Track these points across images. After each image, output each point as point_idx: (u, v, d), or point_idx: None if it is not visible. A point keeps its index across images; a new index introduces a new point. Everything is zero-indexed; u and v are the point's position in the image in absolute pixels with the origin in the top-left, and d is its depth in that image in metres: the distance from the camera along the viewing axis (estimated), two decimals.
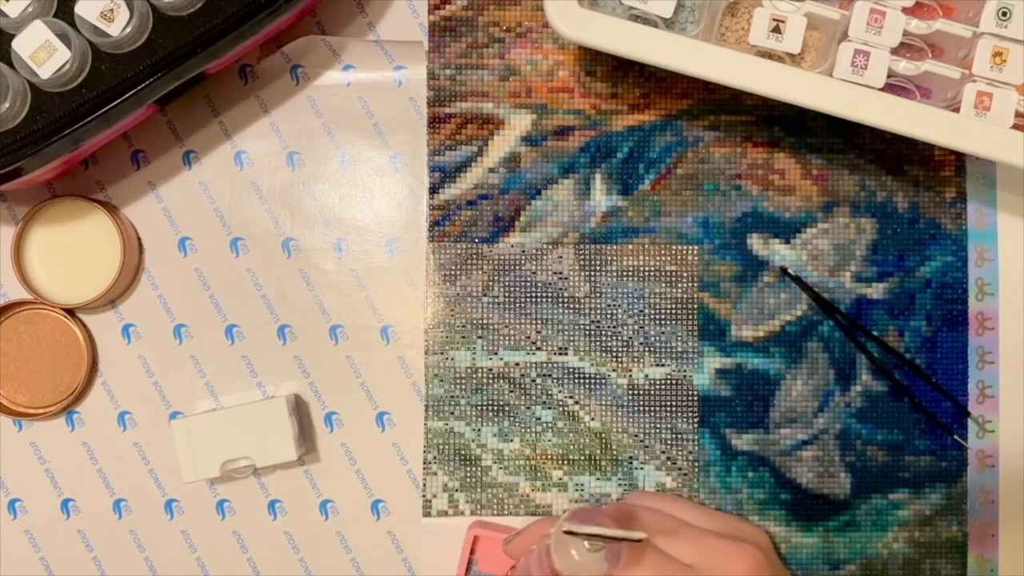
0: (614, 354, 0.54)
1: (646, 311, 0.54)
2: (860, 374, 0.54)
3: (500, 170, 0.54)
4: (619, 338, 0.54)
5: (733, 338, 0.54)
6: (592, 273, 0.54)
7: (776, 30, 0.47)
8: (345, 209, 0.54)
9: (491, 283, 0.54)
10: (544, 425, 0.54)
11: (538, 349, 0.54)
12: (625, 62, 0.53)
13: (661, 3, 0.46)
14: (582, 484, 0.54)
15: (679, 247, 0.54)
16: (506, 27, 0.54)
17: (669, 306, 0.54)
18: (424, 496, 0.53)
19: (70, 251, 0.52)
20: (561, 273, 0.54)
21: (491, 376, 0.54)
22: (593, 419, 0.54)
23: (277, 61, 0.54)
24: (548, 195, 0.54)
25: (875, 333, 0.54)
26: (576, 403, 0.54)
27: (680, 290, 0.54)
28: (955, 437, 0.54)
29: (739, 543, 0.43)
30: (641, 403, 0.54)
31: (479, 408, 0.54)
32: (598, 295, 0.54)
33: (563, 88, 0.54)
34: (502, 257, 0.54)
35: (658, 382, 0.54)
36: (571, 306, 0.54)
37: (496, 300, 0.54)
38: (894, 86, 0.50)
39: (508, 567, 0.52)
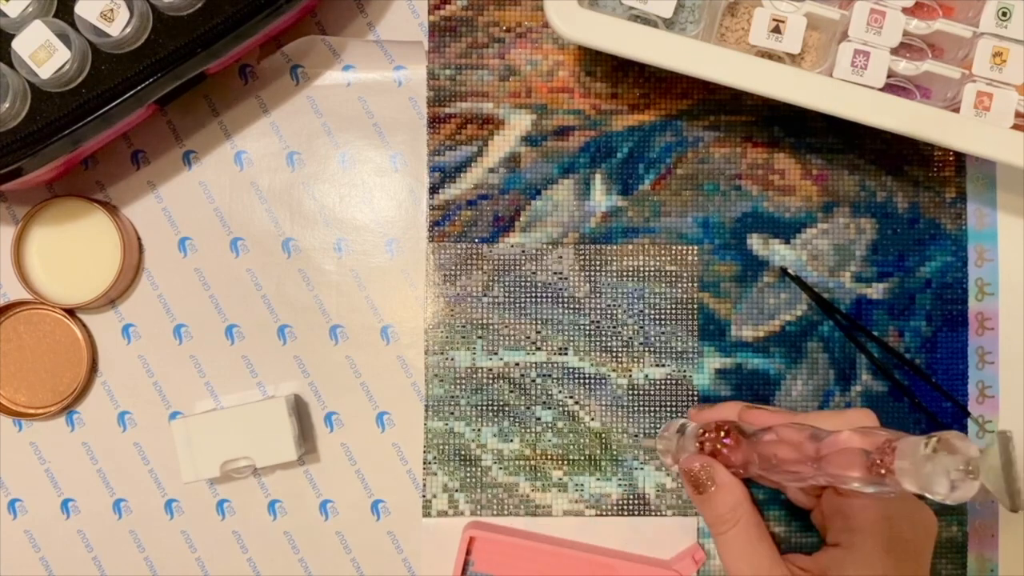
0: (614, 354, 0.54)
1: (646, 311, 0.54)
2: (860, 374, 0.54)
3: (500, 170, 0.54)
4: (619, 338, 0.54)
5: (733, 338, 0.54)
6: (592, 273, 0.54)
7: (776, 30, 0.47)
8: (345, 209, 0.54)
9: (491, 283, 0.54)
10: (544, 425, 0.54)
11: (538, 349, 0.54)
12: (625, 62, 0.53)
13: (661, 3, 0.46)
14: (582, 484, 0.54)
15: (679, 247, 0.54)
16: (506, 27, 0.54)
17: (669, 306, 0.54)
18: (424, 496, 0.53)
19: (70, 251, 0.52)
20: (561, 273, 0.54)
21: (491, 376, 0.54)
22: (593, 419, 0.54)
23: (277, 61, 0.54)
24: (548, 195, 0.54)
25: (875, 333, 0.54)
26: (576, 403, 0.54)
27: (680, 290, 0.54)
28: None
29: (854, 409, 0.44)
30: (641, 403, 0.54)
31: (479, 408, 0.54)
32: (598, 295, 0.54)
33: (563, 88, 0.54)
34: (502, 257, 0.54)
35: (658, 382, 0.54)
36: (571, 306, 0.54)
37: (496, 300, 0.54)
38: (894, 86, 0.50)
39: (507, 565, 0.52)
